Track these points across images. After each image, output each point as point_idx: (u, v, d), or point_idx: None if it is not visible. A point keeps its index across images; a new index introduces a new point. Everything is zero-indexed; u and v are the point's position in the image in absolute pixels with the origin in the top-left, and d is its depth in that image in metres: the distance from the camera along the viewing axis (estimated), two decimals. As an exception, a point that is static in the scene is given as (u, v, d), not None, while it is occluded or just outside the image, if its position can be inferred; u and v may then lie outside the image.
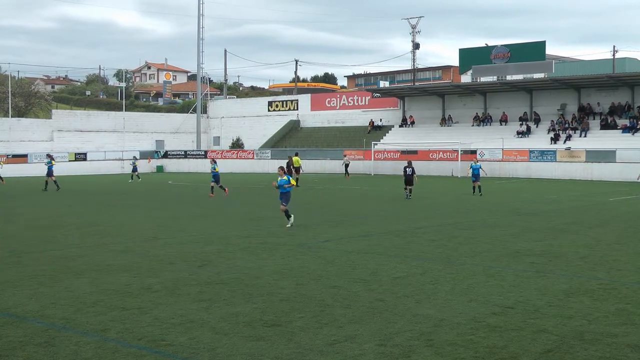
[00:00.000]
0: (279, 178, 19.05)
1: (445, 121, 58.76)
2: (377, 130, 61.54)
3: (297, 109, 70.35)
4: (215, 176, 31.73)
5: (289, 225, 18.62)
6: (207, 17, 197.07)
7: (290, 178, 19.39)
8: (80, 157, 62.16)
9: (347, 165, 50.61)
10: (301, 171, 41.18)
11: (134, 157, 53.15)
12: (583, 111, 52.16)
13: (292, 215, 18.95)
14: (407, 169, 28.90)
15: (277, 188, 19.09)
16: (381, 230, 18.12)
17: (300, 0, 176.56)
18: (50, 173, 36.14)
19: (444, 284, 10.88)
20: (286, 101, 72.85)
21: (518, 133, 52.69)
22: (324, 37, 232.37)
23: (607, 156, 44.83)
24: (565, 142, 49.11)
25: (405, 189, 28.89)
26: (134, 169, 48.79)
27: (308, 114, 69.51)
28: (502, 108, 56.29)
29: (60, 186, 36.17)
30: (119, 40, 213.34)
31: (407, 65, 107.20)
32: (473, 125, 57.02)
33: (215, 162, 32.79)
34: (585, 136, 49.37)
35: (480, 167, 32.14)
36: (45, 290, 10.56)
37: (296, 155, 43.36)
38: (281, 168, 19.73)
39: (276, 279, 11.36)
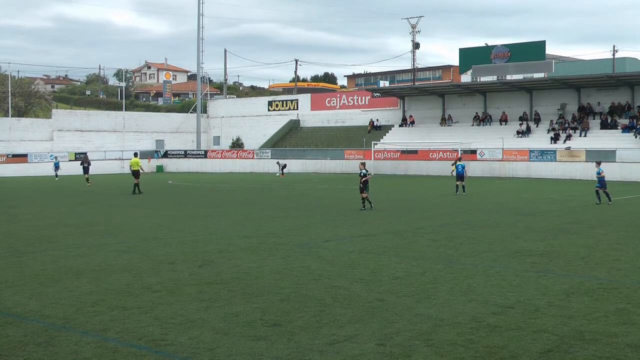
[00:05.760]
0: None
1: (445, 121, 58.74)
2: (377, 130, 61.54)
3: (297, 109, 70.33)
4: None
5: None
6: (204, 16, 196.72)
7: None
8: (81, 157, 62.12)
9: (284, 166, 54.15)
10: (142, 172, 34.17)
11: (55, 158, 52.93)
12: (583, 111, 52.15)
13: None
14: (362, 171, 23.58)
15: None
16: (381, 231, 18.12)
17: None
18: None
19: (444, 284, 10.88)
20: (286, 101, 72.82)
21: (518, 133, 52.68)
22: (322, 36, 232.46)
23: (607, 156, 44.74)
24: (565, 141, 49.11)
25: (363, 200, 23.69)
26: (56, 167, 50.58)
27: (308, 114, 69.49)
28: (502, 108, 56.28)
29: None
30: (116, 40, 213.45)
31: (407, 65, 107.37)
32: (473, 125, 57.00)
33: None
34: (585, 136, 49.37)
35: (464, 167, 32.55)
36: (45, 290, 10.55)
37: (135, 156, 35.77)
38: None
39: (276, 279, 11.36)
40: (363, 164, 24.08)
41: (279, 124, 69.77)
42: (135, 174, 33.06)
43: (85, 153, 48.68)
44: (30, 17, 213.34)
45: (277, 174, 54.11)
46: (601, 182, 25.44)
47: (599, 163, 26.06)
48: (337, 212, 22.96)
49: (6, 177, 54.17)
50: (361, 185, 23.54)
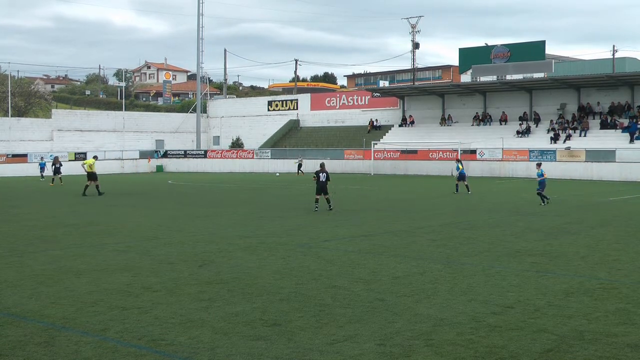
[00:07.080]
0: None
1: (445, 121, 58.74)
2: (377, 130, 61.55)
3: (297, 109, 70.33)
4: None
5: None
6: (204, 16, 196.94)
7: None
8: (80, 156, 62.03)
9: (299, 165, 55.29)
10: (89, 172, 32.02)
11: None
12: (583, 111, 52.15)
13: None
14: (321, 174, 23.57)
15: None
16: (381, 230, 18.12)
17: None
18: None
19: (444, 284, 10.88)
20: (286, 101, 72.81)
21: (518, 133, 52.67)
22: (322, 36, 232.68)
23: (606, 156, 44.82)
24: (565, 141, 49.11)
25: (317, 200, 23.69)
26: (41, 168, 49.92)
27: (308, 114, 69.49)
28: (501, 108, 56.28)
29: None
30: (116, 40, 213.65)
31: (407, 65, 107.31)
32: (473, 125, 57.01)
33: None
34: (585, 136, 49.37)
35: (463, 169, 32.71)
36: (45, 290, 10.55)
37: (94, 157, 34.19)
38: None
39: (276, 279, 11.36)
40: (322, 166, 24.04)
41: (278, 124, 69.78)
42: (92, 175, 31.95)
43: (57, 156, 48.71)
44: (30, 17, 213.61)
45: (277, 174, 54.22)
46: (541, 184, 25.15)
47: (539, 165, 25.84)
48: (337, 212, 22.96)
49: (6, 177, 54.18)
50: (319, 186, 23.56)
